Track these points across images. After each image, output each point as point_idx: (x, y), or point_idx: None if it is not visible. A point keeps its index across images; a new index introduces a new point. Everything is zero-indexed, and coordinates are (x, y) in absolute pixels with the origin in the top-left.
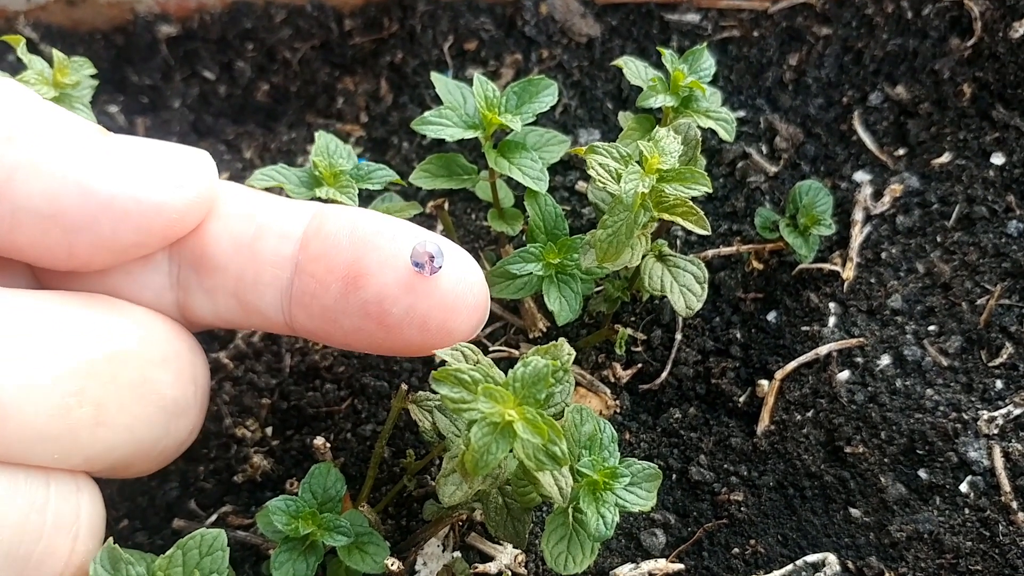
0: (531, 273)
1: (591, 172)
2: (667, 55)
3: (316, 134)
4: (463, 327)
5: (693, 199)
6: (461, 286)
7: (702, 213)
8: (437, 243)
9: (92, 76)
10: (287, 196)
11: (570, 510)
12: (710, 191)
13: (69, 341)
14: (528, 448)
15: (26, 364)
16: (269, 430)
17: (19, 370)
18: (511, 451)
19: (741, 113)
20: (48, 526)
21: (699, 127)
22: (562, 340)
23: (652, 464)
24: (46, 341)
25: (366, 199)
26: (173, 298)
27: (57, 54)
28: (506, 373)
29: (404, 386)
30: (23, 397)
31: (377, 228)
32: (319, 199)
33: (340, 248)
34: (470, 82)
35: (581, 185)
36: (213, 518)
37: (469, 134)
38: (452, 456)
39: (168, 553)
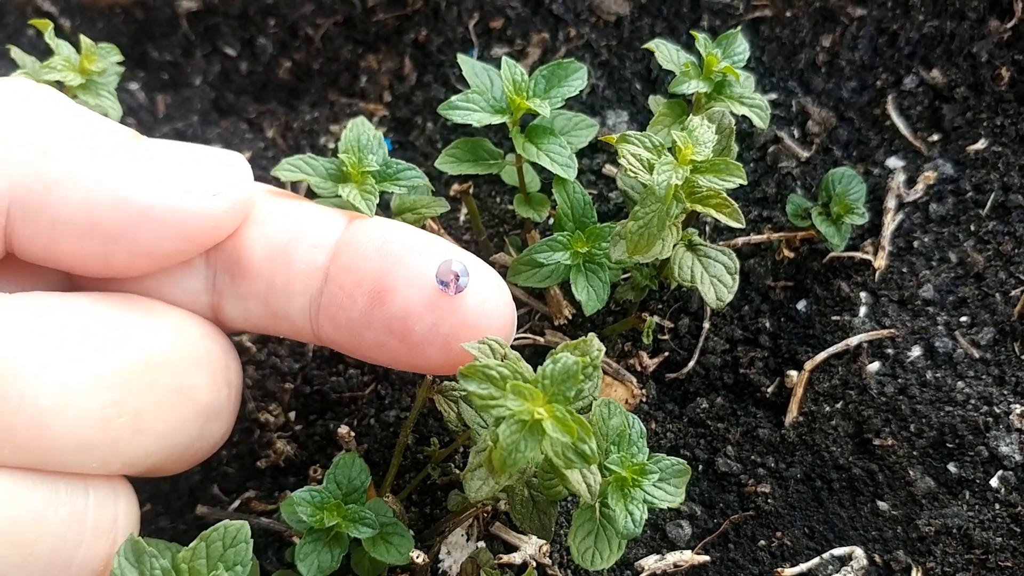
0: (558, 262)
1: (622, 162)
2: (700, 39)
3: (349, 123)
4: None
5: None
6: (486, 306)
7: (736, 206)
8: (463, 262)
9: (119, 63)
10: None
11: (597, 505)
12: (745, 183)
13: (107, 349)
14: (557, 446)
15: (65, 374)
16: (292, 415)
17: (59, 380)
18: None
19: (773, 96)
20: (88, 533)
21: (732, 114)
22: (592, 336)
23: (680, 460)
24: (84, 349)
25: None
26: (208, 301)
27: (85, 40)
28: (530, 361)
29: (429, 376)
30: (63, 408)
31: (406, 242)
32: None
33: (369, 261)
34: (496, 62)
35: (609, 168)
36: (236, 504)
37: (496, 119)
38: (479, 451)
39: (192, 545)
